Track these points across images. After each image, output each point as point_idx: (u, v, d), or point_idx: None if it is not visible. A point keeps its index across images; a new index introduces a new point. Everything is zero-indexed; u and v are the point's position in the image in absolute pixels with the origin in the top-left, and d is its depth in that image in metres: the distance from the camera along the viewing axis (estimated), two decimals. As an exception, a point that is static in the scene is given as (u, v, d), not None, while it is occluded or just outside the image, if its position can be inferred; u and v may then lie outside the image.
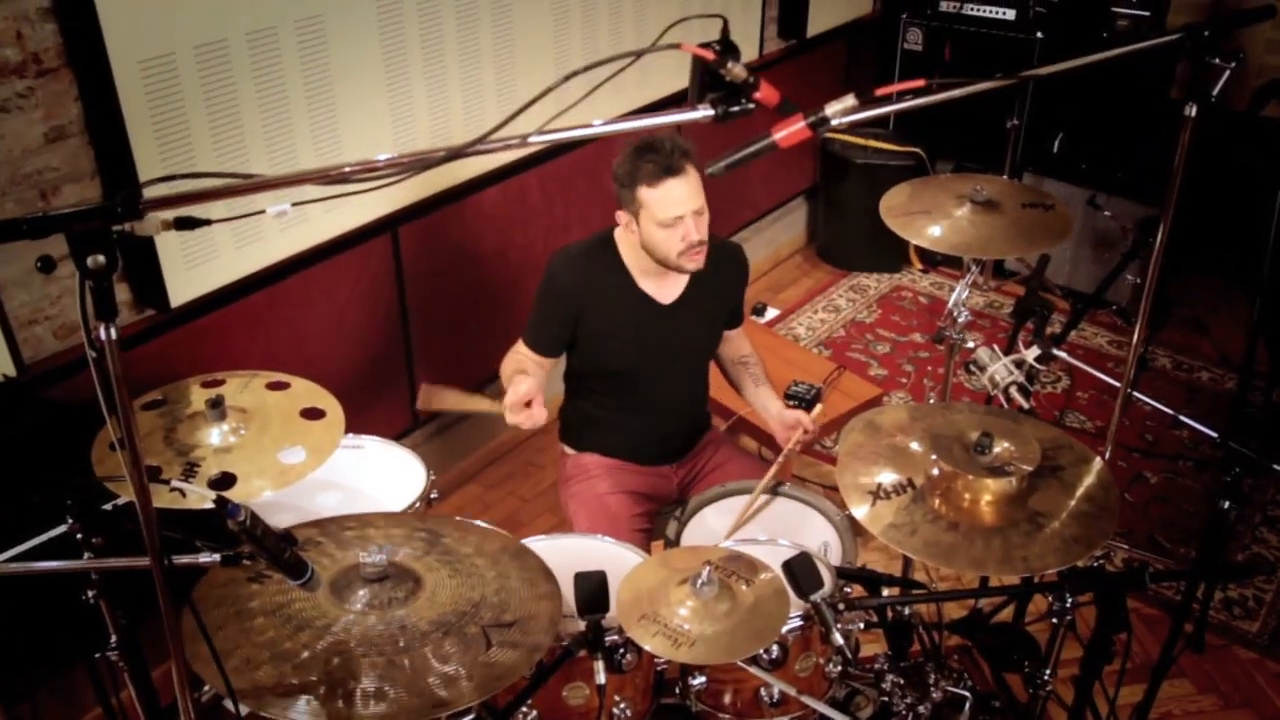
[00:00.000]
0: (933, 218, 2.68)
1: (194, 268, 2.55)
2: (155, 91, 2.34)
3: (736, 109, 1.31)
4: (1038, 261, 2.58)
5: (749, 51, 4.34)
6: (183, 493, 1.67)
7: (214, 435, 2.09)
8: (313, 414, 2.19)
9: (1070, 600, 2.02)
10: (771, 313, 4.69)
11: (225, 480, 1.89)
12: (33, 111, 2.24)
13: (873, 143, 4.91)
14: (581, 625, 1.85)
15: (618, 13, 3.54)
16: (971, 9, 4.81)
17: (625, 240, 2.48)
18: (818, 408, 2.61)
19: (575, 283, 2.46)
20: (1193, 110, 1.85)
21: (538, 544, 2.21)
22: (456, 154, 1.20)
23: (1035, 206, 2.71)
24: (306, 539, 1.88)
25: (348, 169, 1.19)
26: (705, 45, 1.29)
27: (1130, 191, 4.43)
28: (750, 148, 1.35)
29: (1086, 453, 2.02)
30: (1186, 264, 4.53)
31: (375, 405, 3.24)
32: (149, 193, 1.17)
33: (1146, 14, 4.59)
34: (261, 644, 1.62)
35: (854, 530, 2.34)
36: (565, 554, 2.13)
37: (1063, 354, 2.38)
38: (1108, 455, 2.22)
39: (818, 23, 4.63)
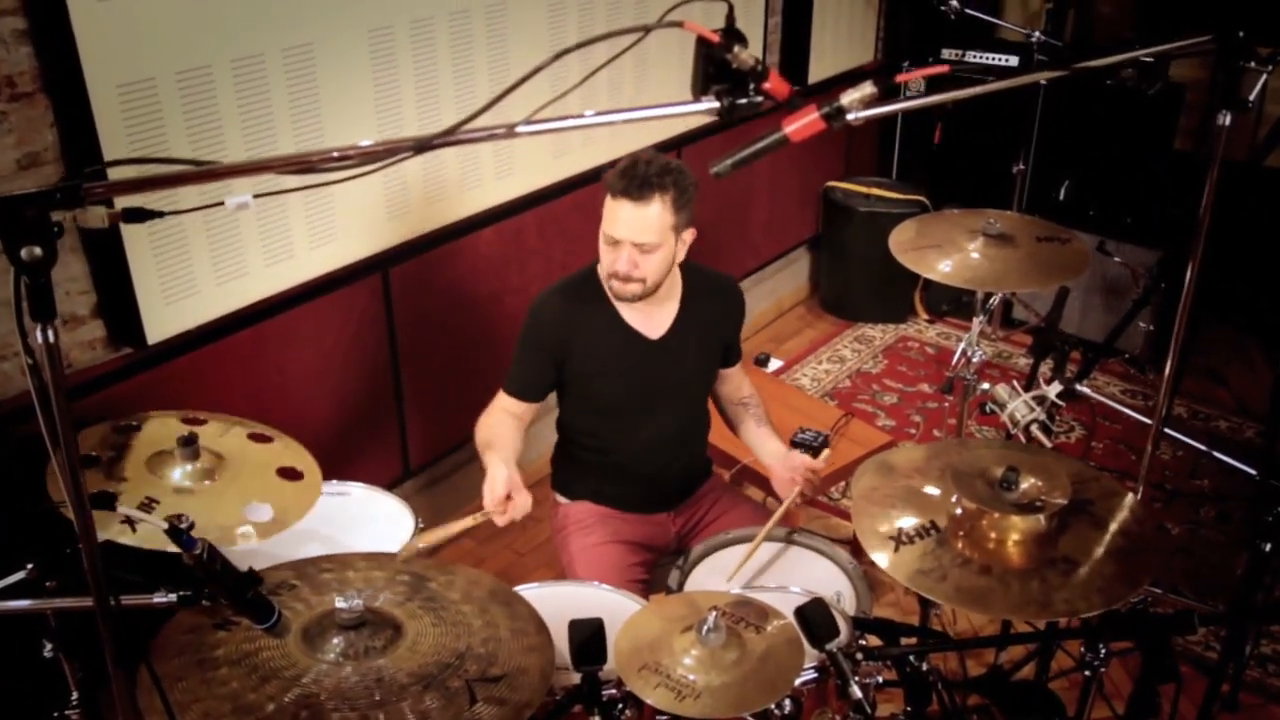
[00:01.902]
0: (944, 251, 2.58)
1: (172, 303, 2.44)
2: (134, 117, 2.24)
3: (744, 101, 1.21)
4: (1056, 294, 2.48)
5: (750, 97, 4.28)
6: (132, 526, 1.53)
7: (176, 474, 1.97)
8: (289, 474, 2.06)
9: (1104, 650, 1.88)
10: (775, 364, 4.57)
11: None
12: (5, 137, 2.14)
13: (876, 190, 4.84)
14: (576, 678, 1.70)
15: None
16: (974, 56, 4.77)
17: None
18: (825, 453, 2.48)
19: (558, 319, 2.36)
20: (1226, 119, 1.75)
21: (530, 592, 2.06)
22: (427, 144, 1.10)
23: (1050, 240, 2.61)
24: (280, 581, 1.73)
25: (314, 157, 1.08)
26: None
27: (1140, 237, 4.35)
28: (759, 143, 1.24)
29: (1116, 487, 1.89)
30: (1199, 313, 4.43)
31: (364, 453, 3.10)
32: (112, 174, 1.05)
33: (1150, 60, 4.54)
34: (224, 696, 1.47)
35: (868, 579, 2.20)
36: (559, 603, 1.99)
37: (1086, 389, 2.25)
38: (1139, 494, 2.08)
39: (819, 70, 4.59)
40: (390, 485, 3.13)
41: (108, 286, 2.36)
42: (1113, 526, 1.78)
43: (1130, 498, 1.84)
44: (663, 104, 1.22)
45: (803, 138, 1.22)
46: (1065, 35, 4.76)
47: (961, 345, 2.65)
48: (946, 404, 4.26)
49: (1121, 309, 4.34)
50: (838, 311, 5.05)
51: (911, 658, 2.08)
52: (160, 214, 1.08)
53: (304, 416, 2.83)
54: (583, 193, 3.55)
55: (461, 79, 3.00)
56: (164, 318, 2.43)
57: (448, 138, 1.11)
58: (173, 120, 2.32)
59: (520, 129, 1.16)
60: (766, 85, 1.21)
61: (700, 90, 1.21)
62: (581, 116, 1.19)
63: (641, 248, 2.21)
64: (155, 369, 2.49)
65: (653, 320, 2.39)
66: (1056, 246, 2.58)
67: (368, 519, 2.38)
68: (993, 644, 2.48)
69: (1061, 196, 4.61)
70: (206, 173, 1.04)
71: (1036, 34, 3.99)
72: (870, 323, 4.97)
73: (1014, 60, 4.68)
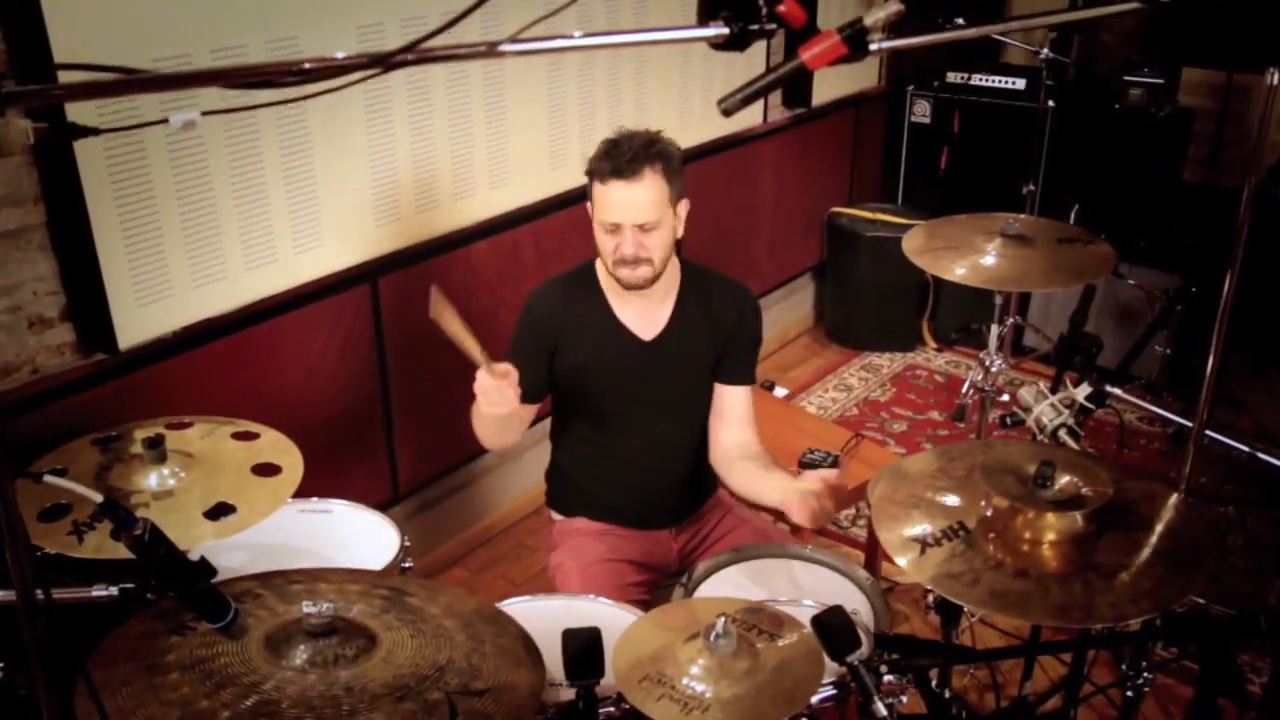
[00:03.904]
0: (960, 253, 2.45)
1: (146, 306, 2.31)
2: (106, 105, 2.11)
3: (755, 28, 1.08)
4: (1082, 293, 2.35)
5: (753, 118, 4.19)
6: (79, 537, 1.38)
7: (152, 480, 1.84)
8: (266, 470, 1.93)
9: (1146, 667, 1.72)
10: (780, 392, 4.41)
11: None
12: (-32, 125, 2.02)
13: (881, 216, 4.74)
14: (570, 693, 1.54)
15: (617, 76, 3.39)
16: (980, 79, 4.70)
17: (603, 266, 2.26)
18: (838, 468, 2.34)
19: (551, 312, 2.27)
20: (1275, 77, 1.63)
21: (520, 605, 1.90)
22: (390, 59, 0.96)
23: (1072, 242, 2.49)
24: (243, 591, 1.58)
25: (263, 69, 0.95)
26: None
27: (1154, 260, 4.24)
28: (773, 75, 1.11)
29: (1157, 489, 1.74)
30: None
31: (351, 474, 2.94)
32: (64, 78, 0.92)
33: (1160, 81, 4.46)
34: (172, 702, 1.31)
35: (886, 598, 2.04)
36: (552, 617, 1.83)
37: (1117, 390, 2.11)
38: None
39: (822, 93, 4.51)
40: (380, 508, 2.96)
41: (78, 287, 2.23)
42: (1158, 527, 1.63)
43: (1175, 497, 1.69)
44: (663, 28, 1.10)
45: (821, 65, 1.09)
46: (1072, 54, 4.69)
47: (981, 354, 2.51)
48: (957, 431, 4.13)
49: (1134, 335, 4.22)
50: (843, 340, 4.92)
51: (934, 683, 1.92)
52: (96, 130, 0.96)
53: (288, 432, 2.68)
54: (581, 208, 3.41)
55: (454, 77, 2.90)
56: (137, 321, 2.30)
57: (419, 52, 0.97)
58: (149, 109, 2.19)
59: (504, 48, 1.03)
60: (781, 9, 1.09)
61: (706, 14, 1.09)
62: (570, 37, 1.06)
63: (643, 227, 2.11)
64: (127, 377, 2.35)
65: (647, 320, 2.27)
66: (1079, 248, 2.46)
67: (352, 537, 2.25)
68: (1023, 654, 2.31)
69: (1072, 220, 4.50)
70: (141, 82, 0.91)
71: (1045, 51, 3.92)
72: (877, 351, 4.84)
73: (1021, 82, 4.61)
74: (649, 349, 2.27)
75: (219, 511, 1.76)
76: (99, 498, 1.09)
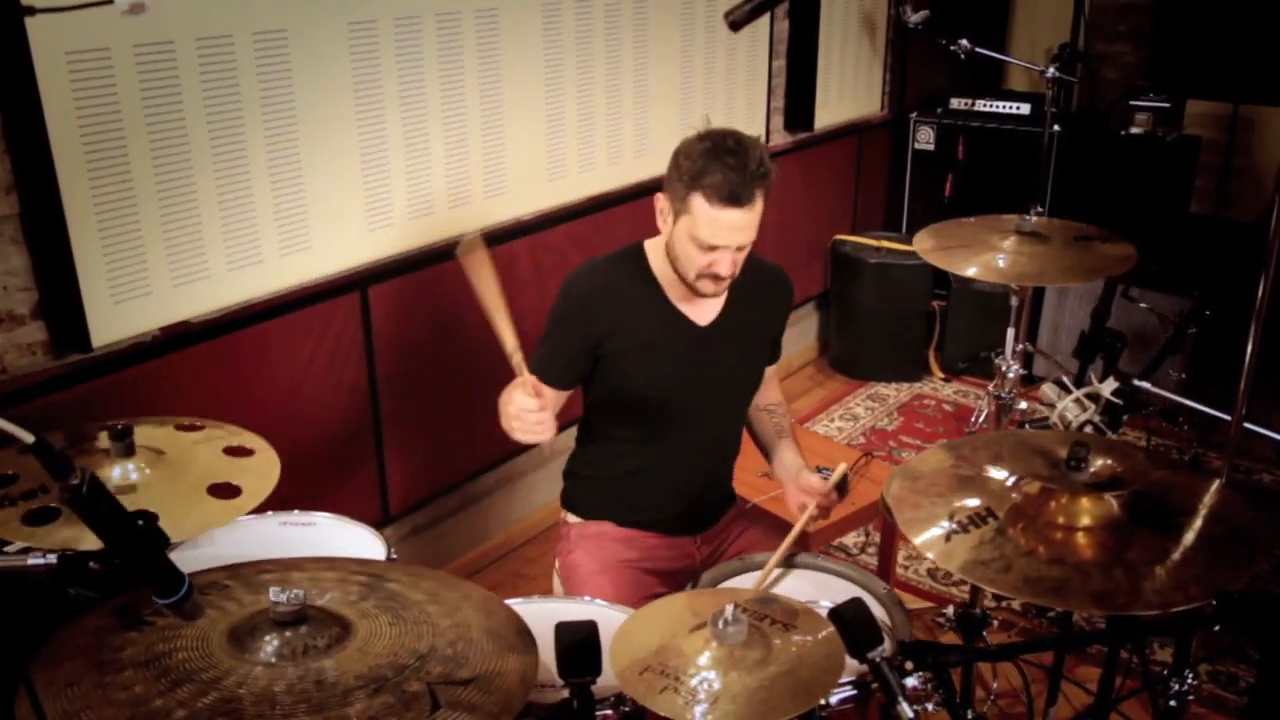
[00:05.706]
0: (974, 251, 2.36)
1: (122, 303, 2.20)
2: (85, 91, 2.03)
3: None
4: (1104, 288, 2.24)
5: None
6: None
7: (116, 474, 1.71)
8: (222, 490, 1.78)
9: (1191, 678, 1.59)
10: (784, 420, 4.31)
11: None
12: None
13: (885, 243, 4.66)
14: (564, 692, 1.40)
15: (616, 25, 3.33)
16: (984, 105, 4.65)
17: (656, 251, 2.13)
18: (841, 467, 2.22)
19: (597, 292, 2.09)
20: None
21: (514, 608, 1.76)
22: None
23: (1088, 240, 2.39)
24: (210, 583, 1.45)
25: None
26: None
27: (1165, 284, 4.14)
28: (783, -18, 1.02)
29: (1193, 479, 1.62)
30: (1233, 364, 4.19)
31: (339, 493, 2.81)
32: None
33: (1167, 106, 4.41)
34: (122, 702, 1.18)
35: (904, 607, 1.92)
36: (546, 620, 1.70)
37: (1146, 385, 1.99)
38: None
39: (825, 118, 4.45)
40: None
41: (51, 283, 2.13)
42: (1202, 512, 1.50)
43: (1217, 483, 1.57)
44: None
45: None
46: (1076, 76, 4.65)
47: (998, 359, 2.40)
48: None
49: (1146, 359, 4.11)
50: (848, 371, 4.81)
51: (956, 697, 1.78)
52: (31, 10, 0.85)
53: (273, 444, 2.56)
54: (578, 224, 3.34)
55: (450, 79, 2.83)
56: (112, 319, 2.19)
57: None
58: (128, 97, 2.11)
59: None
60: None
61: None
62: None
63: (741, 249, 1.99)
64: (102, 379, 2.23)
65: (700, 306, 2.13)
66: (1096, 245, 2.37)
67: (336, 550, 2.12)
68: (1053, 647, 2.16)
69: (1080, 245, 4.43)
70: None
71: (1051, 70, 3.86)
72: (883, 382, 4.73)
73: (1025, 108, 4.56)
74: (704, 335, 2.14)
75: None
76: (29, 437, 0.97)
